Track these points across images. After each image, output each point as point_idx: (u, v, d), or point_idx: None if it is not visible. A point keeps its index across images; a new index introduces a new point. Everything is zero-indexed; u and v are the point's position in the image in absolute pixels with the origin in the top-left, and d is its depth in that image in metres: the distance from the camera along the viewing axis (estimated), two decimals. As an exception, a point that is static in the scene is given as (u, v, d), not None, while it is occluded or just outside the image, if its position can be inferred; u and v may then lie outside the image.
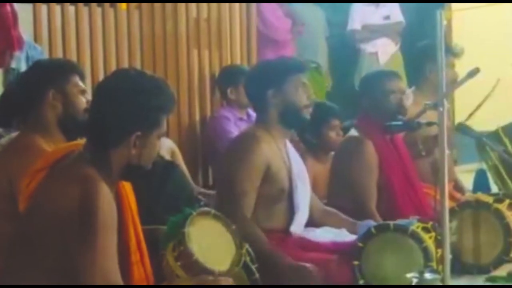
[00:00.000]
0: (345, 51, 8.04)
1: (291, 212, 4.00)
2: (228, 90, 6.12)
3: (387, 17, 8.01)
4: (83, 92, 3.61)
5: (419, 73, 5.17)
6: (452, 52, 5.22)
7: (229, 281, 3.08)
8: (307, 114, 4.05)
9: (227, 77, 6.21)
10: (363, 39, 7.94)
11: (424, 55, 5.07)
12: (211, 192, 5.31)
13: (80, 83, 3.63)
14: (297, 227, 3.99)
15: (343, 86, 7.67)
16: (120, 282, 2.73)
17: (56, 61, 3.99)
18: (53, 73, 3.59)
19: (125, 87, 2.87)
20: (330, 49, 7.73)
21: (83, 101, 3.59)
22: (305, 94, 4.05)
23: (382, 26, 7.96)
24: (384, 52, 7.92)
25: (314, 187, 4.42)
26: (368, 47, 7.94)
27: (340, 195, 4.57)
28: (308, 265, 3.68)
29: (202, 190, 5.57)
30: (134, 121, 2.83)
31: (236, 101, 6.10)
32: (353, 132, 4.69)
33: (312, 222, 4.13)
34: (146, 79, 2.93)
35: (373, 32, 7.94)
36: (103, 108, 2.87)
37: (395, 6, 8.04)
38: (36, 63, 3.95)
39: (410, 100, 4.67)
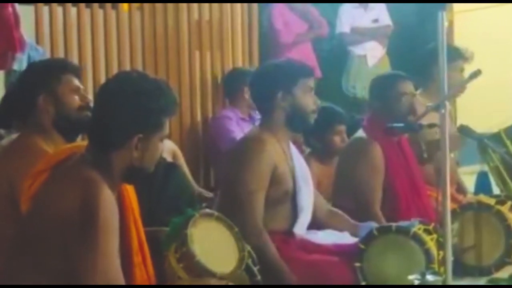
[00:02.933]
0: (333, 53, 8.08)
1: (294, 213, 3.99)
2: (245, 89, 6.10)
3: (376, 20, 8.03)
4: (76, 90, 3.59)
5: (427, 76, 5.16)
6: (462, 57, 5.21)
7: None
8: (312, 119, 4.04)
9: (242, 77, 6.18)
10: (352, 42, 7.96)
11: (432, 57, 5.07)
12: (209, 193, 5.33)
13: (74, 81, 3.60)
14: (300, 228, 3.99)
15: (331, 88, 7.70)
16: (122, 283, 2.73)
17: (46, 63, 3.97)
18: (43, 76, 3.58)
19: (127, 89, 2.86)
20: (319, 50, 7.76)
21: (76, 99, 3.56)
22: (311, 98, 4.04)
23: (371, 30, 7.98)
24: (372, 55, 7.95)
25: (318, 190, 4.42)
26: (357, 50, 7.96)
27: (344, 196, 4.57)
28: None
29: (203, 191, 5.57)
30: (136, 123, 2.82)
31: (239, 103, 6.12)
32: (360, 134, 4.69)
33: (316, 223, 4.12)
34: (148, 81, 2.92)
35: (362, 35, 7.95)
36: (104, 110, 2.87)
37: (384, 9, 8.06)
38: (28, 67, 3.95)
39: (421, 103, 4.68)
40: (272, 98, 3.98)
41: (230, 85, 6.30)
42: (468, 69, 4.64)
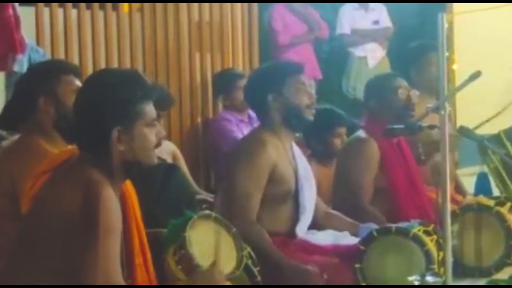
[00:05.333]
0: (333, 54, 8.10)
1: (296, 213, 4.00)
2: (221, 97, 6.18)
3: (376, 22, 8.06)
4: (77, 90, 3.60)
5: (412, 72, 5.18)
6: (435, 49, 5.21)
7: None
8: (310, 114, 4.05)
9: (217, 84, 6.28)
10: (353, 43, 7.98)
11: (414, 54, 5.14)
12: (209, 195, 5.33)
13: (75, 82, 3.60)
14: (302, 228, 4.00)
15: (332, 89, 7.71)
16: (121, 283, 2.73)
17: (46, 64, 3.98)
18: (43, 77, 3.58)
19: (91, 87, 2.87)
20: (319, 52, 7.78)
21: None
22: (305, 94, 4.05)
23: (371, 31, 8.00)
24: (373, 56, 7.97)
25: (319, 191, 4.44)
26: (357, 51, 7.98)
27: (341, 195, 4.58)
28: (310, 267, 3.69)
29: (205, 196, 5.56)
30: (107, 117, 2.79)
31: (231, 106, 6.15)
32: (360, 133, 4.69)
33: (315, 224, 4.13)
34: (112, 74, 2.95)
35: (362, 36, 7.97)
36: (77, 112, 2.88)
37: (384, 11, 8.08)
38: (28, 69, 3.97)
39: (417, 96, 4.68)
40: (264, 101, 4.01)
41: (214, 89, 6.34)
42: (466, 69, 4.63)
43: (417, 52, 5.16)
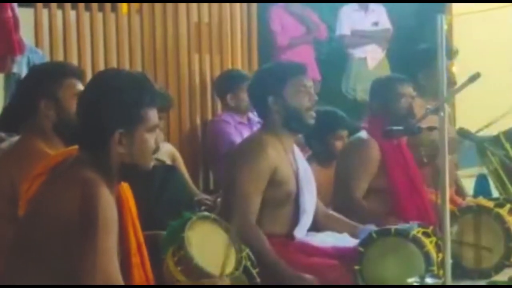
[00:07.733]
0: (333, 55, 8.11)
1: (296, 215, 4.00)
2: (228, 96, 6.14)
3: (376, 24, 8.08)
4: (79, 94, 3.58)
5: (420, 76, 5.17)
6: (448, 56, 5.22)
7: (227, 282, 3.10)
8: (310, 117, 4.03)
9: (225, 84, 6.24)
10: (352, 44, 8.00)
11: (422, 57, 5.11)
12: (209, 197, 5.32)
13: (77, 86, 3.57)
14: (301, 231, 3.99)
15: (331, 90, 7.72)
16: (121, 281, 2.73)
17: (48, 66, 3.95)
18: (44, 80, 3.56)
19: (100, 87, 2.86)
20: (318, 53, 7.79)
21: None
22: (306, 96, 4.02)
23: (371, 32, 8.02)
24: (372, 57, 7.98)
25: (319, 193, 4.44)
26: (357, 52, 7.99)
27: (339, 195, 4.58)
28: (308, 276, 3.69)
29: (204, 198, 5.55)
30: (112, 119, 2.80)
31: (235, 107, 6.13)
32: (361, 134, 4.69)
33: (315, 226, 4.12)
34: (121, 76, 2.92)
35: (362, 37, 7.99)
36: (81, 110, 2.88)
37: (383, 12, 8.10)
38: (30, 70, 3.94)
39: (420, 106, 4.69)
40: (264, 103, 4.00)
41: (220, 88, 6.33)
42: (465, 71, 4.63)
43: (427, 57, 5.12)
